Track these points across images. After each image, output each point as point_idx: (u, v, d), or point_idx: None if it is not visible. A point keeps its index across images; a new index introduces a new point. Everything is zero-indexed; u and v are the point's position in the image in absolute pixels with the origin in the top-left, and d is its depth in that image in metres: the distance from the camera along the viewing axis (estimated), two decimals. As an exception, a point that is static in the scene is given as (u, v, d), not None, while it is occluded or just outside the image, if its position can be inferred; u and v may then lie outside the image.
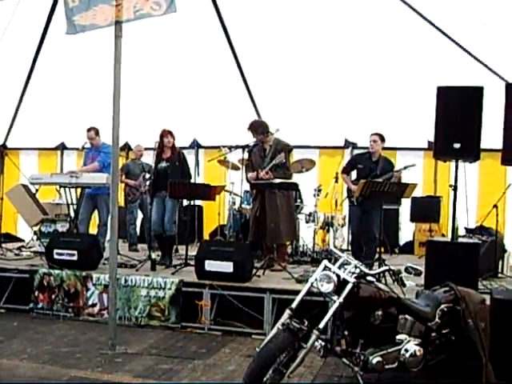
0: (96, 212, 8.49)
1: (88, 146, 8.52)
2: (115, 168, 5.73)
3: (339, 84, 9.94)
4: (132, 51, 9.28)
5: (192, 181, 8.52)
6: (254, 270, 6.85)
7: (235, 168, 9.37)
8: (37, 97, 11.27)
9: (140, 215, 10.18)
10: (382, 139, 7.77)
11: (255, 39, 9.66)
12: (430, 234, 10.06)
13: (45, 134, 11.90)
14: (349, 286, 4.37)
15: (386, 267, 4.56)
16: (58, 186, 8.61)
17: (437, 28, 8.69)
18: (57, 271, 6.98)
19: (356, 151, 10.93)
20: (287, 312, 4.43)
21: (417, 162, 10.67)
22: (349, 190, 7.95)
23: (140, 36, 9.35)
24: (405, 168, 7.67)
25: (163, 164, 8.00)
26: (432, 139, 10.31)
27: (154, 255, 7.53)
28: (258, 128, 7.65)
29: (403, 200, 8.80)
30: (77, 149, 11.28)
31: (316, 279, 4.47)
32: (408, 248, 10.44)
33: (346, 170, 8.00)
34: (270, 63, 9.92)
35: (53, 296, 6.93)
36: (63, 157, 12.41)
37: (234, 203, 9.47)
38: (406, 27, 8.89)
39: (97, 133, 8.49)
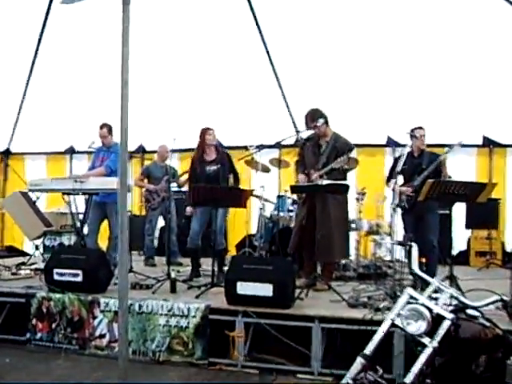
0: (106, 222, 7.32)
1: (95, 145, 7.38)
2: (124, 170, 4.49)
3: (380, 75, 8.99)
4: (151, 46, 8.33)
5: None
6: (297, 292, 5.62)
7: (265, 170, 8.18)
8: (42, 97, 10.36)
9: (159, 224, 9.03)
10: None
11: (289, 31, 8.72)
12: (488, 242, 8.82)
13: (52, 137, 10.97)
14: (445, 325, 3.16)
15: (497, 297, 3.31)
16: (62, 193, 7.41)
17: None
18: (58, 295, 5.80)
19: (399, 150, 9.82)
20: (360, 361, 3.24)
21: (469, 161, 9.59)
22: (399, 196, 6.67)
23: (161, 30, 8.40)
24: (450, 148, 6.44)
25: (212, 167, 7.00)
26: (487, 134, 9.47)
27: (173, 274, 6.33)
28: (312, 117, 6.44)
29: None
30: (88, 152, 10.38)
31: (399, 315, 3.24)
32: (462, 258, 9.17)
33: (393, 176, 6.64)
34: (302, 53, 8.93)
35: (53, 325, 5.76)
36: (72, 161, 11.44)
37: (264, 210, 8.28)
38: (453, 16, 7.90)
39: (110, 131, 7.44)
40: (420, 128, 6.69)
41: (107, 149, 7.30)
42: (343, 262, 7.72)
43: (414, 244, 3.49)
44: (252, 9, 8.35)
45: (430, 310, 3.19)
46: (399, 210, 7.87)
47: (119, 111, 6.08)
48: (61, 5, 8.66)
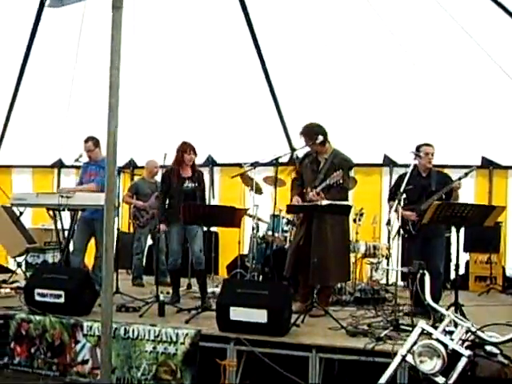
0: (93, 240, 6.96)
1: (83, 159, 7.04)
2: (111, 187, 4.15)
3: (378, 93, 8.73)
4: (143, 57, 8.07)
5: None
6: (293, 318, 5.29)
7: (258, 191, 7.88)
8: (30, 108, 10.05)
9: (148, 243, 8.69)
10: None
11: (285, 45, 8.50)
12: (488, 266, 8.53)
13: (40, 150, 10.58)
14: (462, 363, 2.86)
15: (518, 333, 3.01)
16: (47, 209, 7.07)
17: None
18: (38, 317, 5.44)
19: (396, 170, 9.56)
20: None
21: (468, 182, 9.31)
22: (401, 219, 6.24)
23: (154, 42, 8.14)
24: (466, 175, 6.15)
25: (189, 184, 6.61)
26: (486, 155, 9.24)
27: (162, 296, 5.99)
28: (314, 133, 6.11)
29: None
30: (77, 167, 10.05)
31: (411, 351, 2.94)
32: (460, 283, 8.85)
33: (395, 196, 6.06)
34: (299, 69, 8.69)
35: (32, 349, 5.40)
36: (60, 175, 11.02)
37: (257, 230, 7.96)
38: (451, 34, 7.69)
39: (96, 144, 7.06)
40: (427, 145, 6.33)
41: (95, 163, 6.96)
42: (338, 285, 7.42)
43: (426, 272, 3.20)
44: (249, 23, 8.11)
45: (445, 346, 2.90)
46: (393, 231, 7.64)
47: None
48: (49, 16, 8.44)
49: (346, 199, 6.21)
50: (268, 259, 7.30)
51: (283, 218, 7.56)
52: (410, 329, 5.14)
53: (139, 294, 6.89)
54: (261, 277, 7.51)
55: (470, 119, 8.49)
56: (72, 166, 10.36)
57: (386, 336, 4.92)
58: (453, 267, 8.96)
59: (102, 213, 6.39)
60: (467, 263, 8.89)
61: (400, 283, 8.78)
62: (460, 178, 6.14)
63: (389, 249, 8.02)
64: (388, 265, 8.40)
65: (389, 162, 9.49)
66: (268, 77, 8.82)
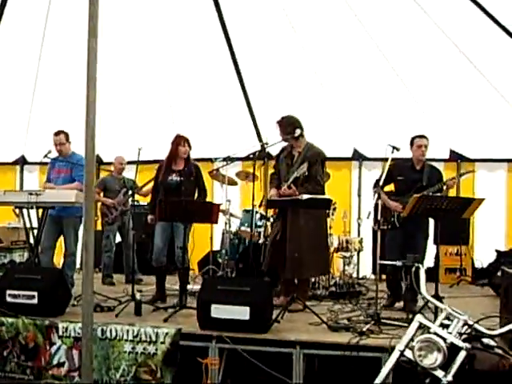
0: (62, 238, 6.76)
1: (52, 155, 6.82)
2: (89, 183, 3.99)
3: (347, 87, 8.70)
4: (112, 49, 7.87)
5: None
6: (274, 314, 5.22)
7: (232, 183, 7.80)
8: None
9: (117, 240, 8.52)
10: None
11: (255, 40, 8.42)
12: (458, 258, 8.62)
13: (1, 146, 10.23)
14: (461, 356, 2.83)
15: (516, 325, 3.00)
16: (14, 207, 6.84)
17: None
18: (10, 319, 5.23)
19: (366, 164, 9.59)
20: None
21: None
22: (384, 210, 6.06)
23: (124, 34, 7.96)
24: (461, 176, 6.15)
25: (174, 177, 6.45)
26: (454, 148, 9.32)
27: (138, 295, 5.85)
28: (289, 125, 6.07)
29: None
30: (40, 163, 9.78)
31: (410, 347, 2.90)
32: (430, 275, 8.91)
33: (382, 184, 5.98)
34: (269, 64, 8.65)
35: (5, 352, 5.18)
36: (23, 173, 10.72)
37: (230, 225, 7.87)
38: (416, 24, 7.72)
39: (67, 138, 6.83)
40: (420, 137, 6.23)
41: (64, 159, 6.75)
42: (312, 279, 7.38)
43: (421, 266, 3.17)
44: (221, 18, 7.99)
45: (444, 340, 2.87)
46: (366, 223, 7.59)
47: (77, 118, 5.64)
48: (11, 11, 8.16)
49: (323, 193, 6.17)
50: (243, 255, 7.22)
51: (256, 212, 7.49)
52: (392, 322, 5.20)
53: (111, 292, 6.73)
54: (234, 273, 7.44)
55: (438, 113, 8.57)
56: (36, 163, 10.14)
57: (369, 330, 4.90)
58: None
59: (71, 210, 6.35)
60: (436, 255, 8.95)
61: (372, 276, 8.88)
62: (454, 178, 6.13)
63: (361, 242, 8.09)
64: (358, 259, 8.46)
65: (358, 156, 9.50)
66: (238, 69, 8.71)
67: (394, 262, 4.30)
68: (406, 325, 5.02)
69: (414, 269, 3.25)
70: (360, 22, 7.79)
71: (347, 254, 7.89)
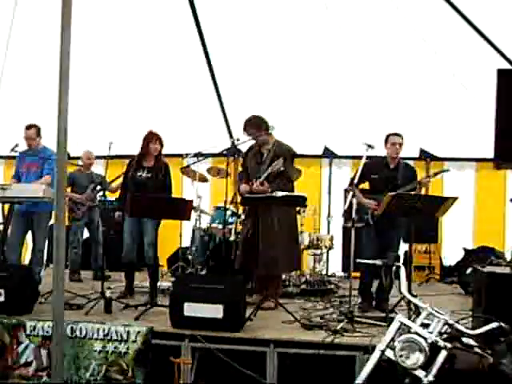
0: (29, 234, 6.60)
1: (18, 149, 6.64)
2: (61, 178, 3.86)
3: (317, 83, 8.63)
4: (81, 40, 7.68)
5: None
6: (247, 313, 5.17)
7: (203, 179, 7.72)
8: None
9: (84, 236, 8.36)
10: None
11: (228, 36, 8.24)
12: (427, 256, 8.70)
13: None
14: (442, 356, 2.82)
15: (496, 324, 2.99)
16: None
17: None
18: (-25, 317, 5.12)
19: (336, 161, 9.59)
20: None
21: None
22: (358, 208, 6.06)
23: (97, 26, 7.77)
24: (435, 175, 6.15)
25: (143, 173, 6.35)
26: (424, 147, 9.39)
27: (108, 292, 5.74)
28: (262, 123, 6.10)
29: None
30: (4, 157, 9.53)
31: (392, 347, 2.88)
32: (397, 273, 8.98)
33: (356, 182, 5.86)
34: (241, 61, 8.48)
35: (-30, 352, 5.06)
36: (-15, 166, 10.40)
37: (200, 222, 7.79)
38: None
39: (38, 132, 6.66)
40: (394, 135, 6.19)
41: (33, 153, 6.58)
42: (283, 277, 7.35)
43: (401, 265, 3.15)
44: (194, 11, 7.87)
45: (425, 340, 2.85)
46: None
47: (43, 110, 5.47)
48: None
49: (292, 189, 6.17)
50: (213, 252, 7.15)
51: (227, 209, 7.42)
52: (365, 321, 5.20)
53: (79, 289, 6.60)
54: (204, 270, 7.36)
55: (408, 112, 8.57)
56: (0, 157, 9.89)
57: (342, 328, 4.89)
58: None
59: (41, 206, 6.20)
60: (405, 253, 9.03)
61: (341, 274, 8.90)
62: (429, 177, 6.13)
63: (332, 239, 8.09)
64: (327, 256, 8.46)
65: (329, 154, 9.49)
66: (210, 65, 8.59)
67: (374, 261, 4.26)
68: (379, 323, 5.06)
69: (394, 268, 3.22)
70: (329, 11, 7.73)
71: (318, 252, 7.89)
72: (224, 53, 8.42)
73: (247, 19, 8.01)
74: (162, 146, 6.40)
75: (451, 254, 8.99)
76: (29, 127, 6.62)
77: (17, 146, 6.52)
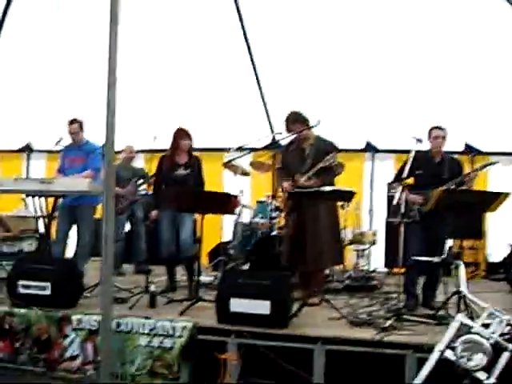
0: (75, 228, 6.62)
1: (63, 143, 6.67)
2: (110, 173, 3.82)
3: (361, 78, 8.58)
4: (126, 36, 7.69)
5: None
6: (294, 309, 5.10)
7: (245, 174, 7.66)
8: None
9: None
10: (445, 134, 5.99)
11: (272, 32, 8.26)
12: (473, 252, 8.50)
13: (6, 133, 9.96)
14: (505, 357, 2.71)
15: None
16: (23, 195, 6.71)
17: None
18: (22, 310, 5.13)
19: (378, 156, 9.46)
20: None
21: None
22: (405, 203, 5.66)
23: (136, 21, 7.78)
24: (483, 167, 5.89)
25: (181, 171, 6.36)
26: (469, 141, 9.18)
27: (153, 287, 5.73)
28: (297, 120, 6.02)
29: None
30: (47, 151, 9.63)
31: (452, 347, 2.78)
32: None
33: (402, 179, 5.64)
34: (283, 55, 8.46)
35: (17, 344, 5.09)
36: (30, 161, 10.56)
37: (241, 216, 7.74)
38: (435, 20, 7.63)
39: (81, 127, 6.66)
40: (437, 128, 5.95)
41: (78, 148, 6.60)
42: (327, 271, 7.26)
43: (461, 262, 3.04)
44: (237, 5, 7.83)
45: (487, 341, 2.74)
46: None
47: (88, 105, 5.46)
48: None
49: (333, 184, 6.08)
50: (257, 247, 7.09)
51: (271, 204, 7.36)
52: (414, 319, 5.07)
53: (121, 283, 6.58)
54: (247, 265, 7.32)
55: (453, 105, 8.40)
56: (43, 151, 10.00)
57: (391, 326, 4.77)
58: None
59: (86, 199, 6.22)
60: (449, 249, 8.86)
61: (384, 269, 8.75)
62: (476, 170, 5.88)
63: (375, 234, 7.98)
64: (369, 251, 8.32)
65: (371, 148, 9.37)
66: (252, 60, 8.57)
67: (431, 258, 4.14)
68: (428, 321, 4.93)
69: (454, 265, 3.11)
70: (375, 10, 7.65)
71: (361, 247, 7.79)
72: (266, 46, 8.41)
73: (290, 12, 7.97)
74: (191, 140, 6.41)
75: (496, 251, 8.78)
76: (72, 122, 6.63)
77: (61, 139, 6.56)
